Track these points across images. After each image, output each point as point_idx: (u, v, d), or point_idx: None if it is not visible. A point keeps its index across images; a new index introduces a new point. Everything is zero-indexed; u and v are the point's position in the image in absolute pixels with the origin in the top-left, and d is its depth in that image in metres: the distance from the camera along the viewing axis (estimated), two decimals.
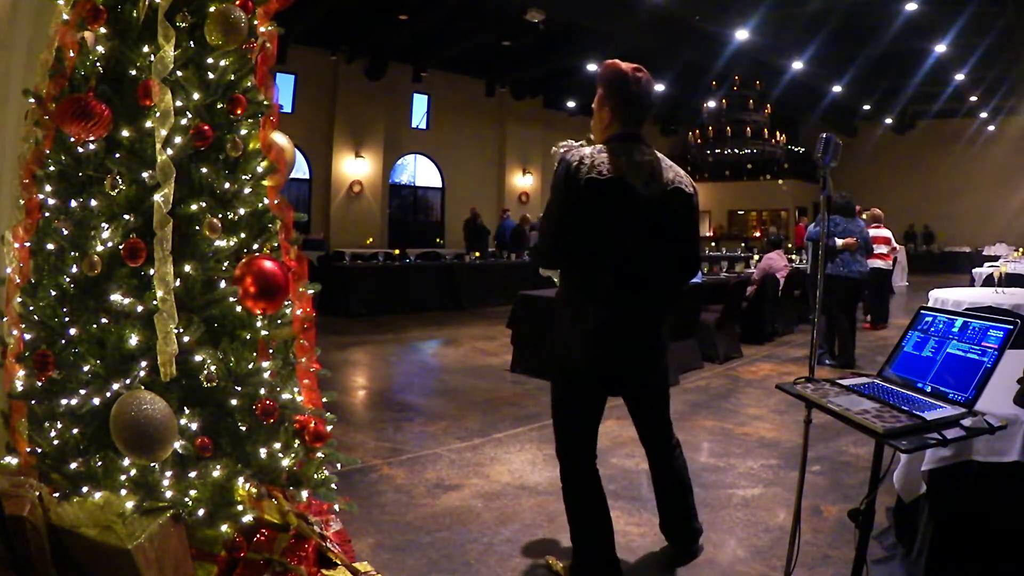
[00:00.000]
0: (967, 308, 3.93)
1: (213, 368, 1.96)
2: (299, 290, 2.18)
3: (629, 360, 2.30)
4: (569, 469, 2.36)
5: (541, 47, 14.22)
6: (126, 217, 1.97)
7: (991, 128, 20.20)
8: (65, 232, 1.98)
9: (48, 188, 2.03)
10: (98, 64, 2.02)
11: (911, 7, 11.54)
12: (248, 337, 2.07)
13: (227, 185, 2.07)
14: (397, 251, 12.34)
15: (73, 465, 1.92)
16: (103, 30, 2.01)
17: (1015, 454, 1.86)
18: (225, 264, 2.05)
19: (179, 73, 2.00)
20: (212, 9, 2.02)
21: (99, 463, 1.91)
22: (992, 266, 9.03)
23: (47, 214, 2.04)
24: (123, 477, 1.90)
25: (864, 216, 8.14)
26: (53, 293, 1.99)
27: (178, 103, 1.99)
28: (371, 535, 2.77)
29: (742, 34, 12.68)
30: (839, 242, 6.00)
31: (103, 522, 1.77)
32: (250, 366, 2.04)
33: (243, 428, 2.03)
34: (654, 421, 2.57)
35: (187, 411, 1.96)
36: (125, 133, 1.99)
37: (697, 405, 4.94)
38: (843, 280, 6.07)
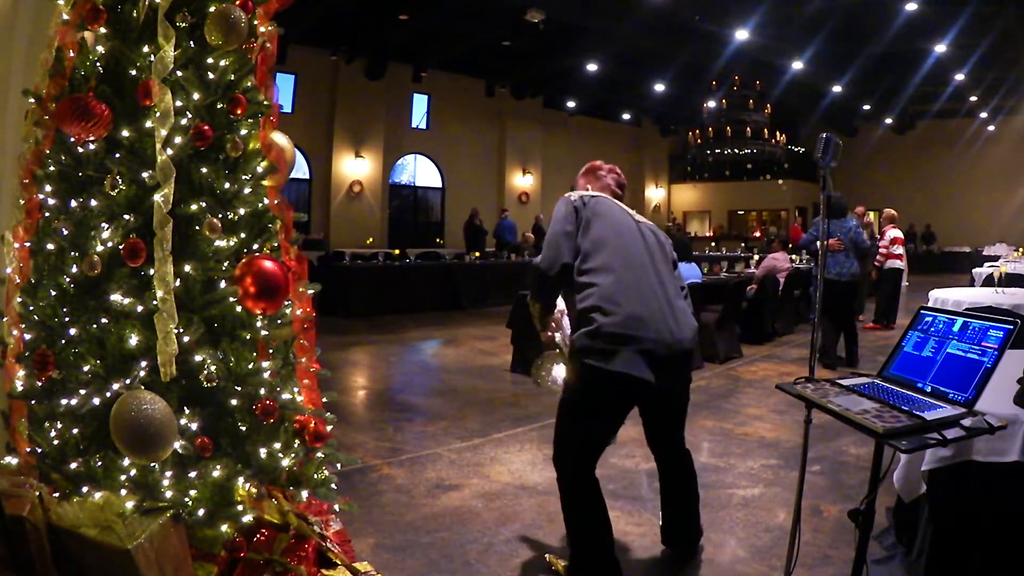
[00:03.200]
0: (967, 308, 3.93)
1: (213, 368, 1.96)
2: (299, 290, 2.18)
3: (672, 356, 2.35)
4: (572, 474, 2.35)
5: (541, 47, 14.22)
6: (126, 217, 1.97)
7: (991, 128, 20.18)
8: (65, 232, 1.98)
9: (48, 188, 2.03)
10: (98, 64, 2.02)
11: (911, 7, 11.54)
12: (248, 337, 2.07)
13: (227, 185, 2.07)
14: (397, 251, 12.34)
15: (73, 465, 1.92)
16: (103, 30, 2.01)
17: (1015, 454, 1.86)
18: (225, 264, 2.04)
19: (179, 73, 2.00)
20: (212, 9, 2.02)
21: (99, 463, 1.91)
22: (992, 266, 9.03)
23: (47, 214, 2.04)
24: (123, 477, 1.90)
25: (870, 217, 8.14)
26: (53, 293, 1.99)
27: (178, 103, 1.99)
28: (371, 535, 2.77)
29: (742, 34, 12.67)
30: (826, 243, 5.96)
31: (103, 522, 1.77)
32: (250, 366, 2.04)
33: (243, 428, 2.03)
34: (673, 426, 2.60)
35: (187, 411, 1.96)
36: (125, 133, 1.99)
37: (697, 405, 4.93)
38: (827, 282, 6.04)
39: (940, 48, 13.47)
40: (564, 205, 2.42)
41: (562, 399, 2.42)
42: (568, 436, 2.37)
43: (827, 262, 6.01)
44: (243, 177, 2.11)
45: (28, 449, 1.98)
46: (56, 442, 1.94)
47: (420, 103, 17.46)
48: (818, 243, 5.96)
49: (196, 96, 2.03)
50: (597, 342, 2.22)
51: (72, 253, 1.98)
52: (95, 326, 1.95)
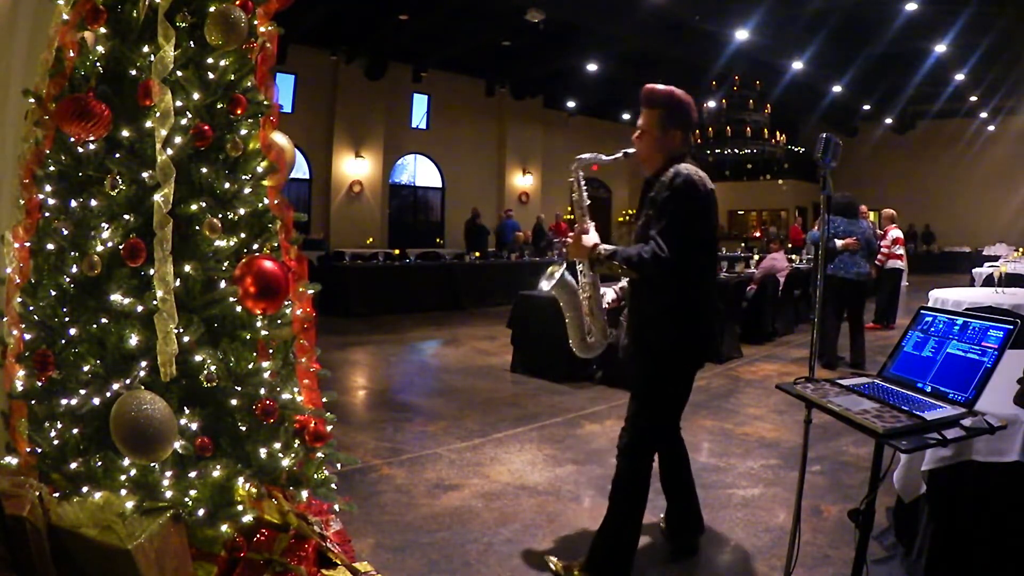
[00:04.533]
0: (967, 308, 3.93)
1: (213, 368, 1.96)
2: (299, 290, 2.18)
3: (714, 343, 2.62)
4: (645, 462, 2.44)
5: (541, 47, 14.21)
6: (126, 217, 1.97)
7: (991, 128, 20.17)
8: (65, 232, 1.98)
9: (48, 188, 2.03)
10: (98, 64, 2.02)
11: (911, 7, 11.53)
12: (248, 337, 2.07)
13: (227, 185, 2.07)
14: (397, 251, 12.33)
15: (73, 465, 1.92)
16: (103, 30, 2.01)
17: (1015, 454, 1.86)
18: (225, 264, 2.04)
19: (179, 73, 2.00)
20: (212, 9, 2.02)
21: (99, 463, 1.91)
22: (992, 266, 9.04)
23: (47, 214, 2.04)
24: (123, 477, 1.90)
25: (871, 217, 8.16)
26: (53, 293, 1.99)
27: (178, 103, 1.99)
28: (371, 535, 2.77)
29: (742, 34, 12.66)
30: (839, 243, 5.98)
31: (103, 522, 1.77)
32: (250, 366, 2.04)
33: (243, 428, 2.03)
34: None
35: (187, 411, 1.96)
36: (125, 133, 1.99)
37: (697, 405, 4.93)
38: (838, 280, 6.05)
39: (940, 48, 13.46)
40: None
41: None
42: (649, 421, 2.50)
43: (846, 262, 6.03)
44: (243, 177, 2.11)
45: (28, 449, 1.98)
46: (56, 442, 1.94)
47: (420, 103, 17.45)
48: (835, 241, 5.95)
49: (196, 96, 2.03)
50: None
51: (72, 253, 1.98)
52: (95, 326, 1.95)
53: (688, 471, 2.69)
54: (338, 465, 2.34)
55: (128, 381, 1.92)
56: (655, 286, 2.35)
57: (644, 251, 2.23)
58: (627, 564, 2.40)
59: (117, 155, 1.99)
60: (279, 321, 2.15)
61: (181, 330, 1.93)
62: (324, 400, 2.28)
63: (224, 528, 1.97)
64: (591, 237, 2.45)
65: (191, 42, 2.04)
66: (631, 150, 2.51)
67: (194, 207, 2.00)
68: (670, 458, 2.67)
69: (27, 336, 2.01)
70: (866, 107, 19.04)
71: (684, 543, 2.68)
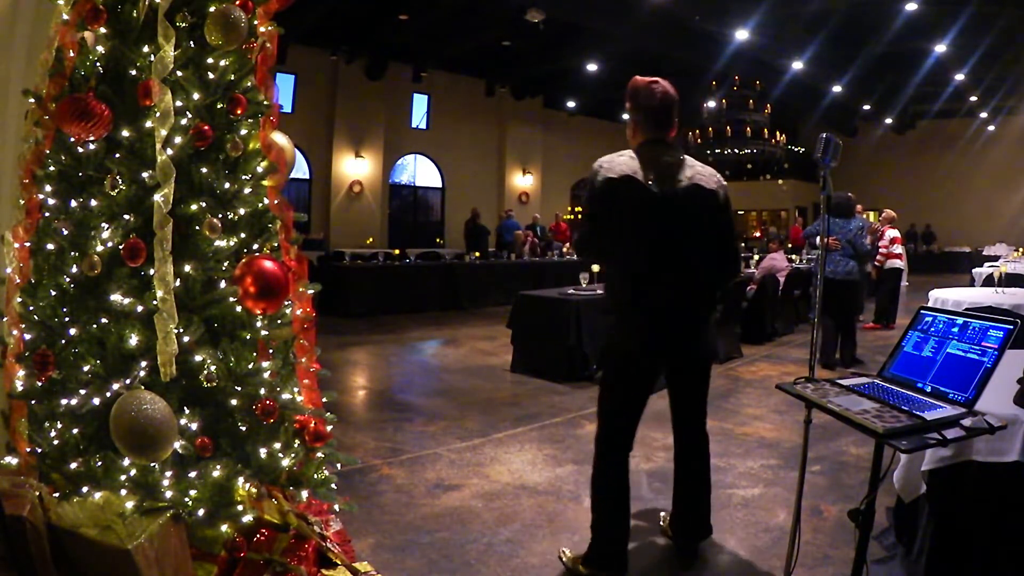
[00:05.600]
0: (967, 308, 3.93)
1: (213, 368, 1.96)
2: (299, 290, 2.18)
3: (668, 332, 2.39)
4: (605, 458, 2.45)
5: (541, 47, 14.20)
6: (126, 217, 1.97)
7: (991, 128, 20.18)
8: (65, 232, 1.98)
9: (48, 188, 2.03)
10: (98, 64, 2.02)
11: (911, 7, 11.53)
12: (248, 337, 2.07)
13: (227, 185, 2.07)
14: (397, 251, 12.33)
15: (73, 465, 1.92)
16: (103, 30, 2.01)
17: (1015, 454, 1.86)
18: (225, 264, 2.04)
19: (179, 73, 2.00)
20: (212, 9, 2.02)
21: (99, 463, 1.91)
22: (992, 266, 9.04)
23: (47, 214, 2.04)
24: (123, 477, 1.90)
25: (871, 217, 8.14)
26: (53, 293, 1.99)
27: (178, 103, 1.99)
28: (371, 535, 2.77)
29: (742, 34, 12.66)
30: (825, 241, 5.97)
31: (103, 522, 1.77)
32: (250, 366, 2.03)
33: (243, 428, 2.03)
34: (691, 402, 2.60)
35: (187, 411, 1.96)
36: (125, 133, 1.99)
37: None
38: (826, 281, 6.05)
39: (940, 48, 13.46)
40: None
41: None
42: (598, 417, 2.52)
43: (829, 260, 6.02)
44: (243, 177, 2.11)
45: (28, 449, 1.98)
46: (56, 442, 1.94)
47: (420, 103, 17.46)
48: (817, 240, 5.94)
49: (196, 96, 2.03)
50: None
51: (72, 253, 1.98)
52: (95, 326, 1.95)
53: (694, 475, 2.63)
54: (338, 465, 2.34)
55: (128, 381, 1.92)
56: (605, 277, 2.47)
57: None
58: (617, 557, 2.40)
59: (117, 155, 1.99)
60: (279, 321, 2.15)
61: (181, 330, 1.93)
62: (324, 400, 2.28)
63: (224, 528, 1.97)
64: None
65: (191, 42, 2.04)
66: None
67: (194, 207, 2.00)
68: (683, 452, 2.64)
69: (27, 336, 2.01)
70: (866, 107, 19.04)
71: (685, 545, 2.66)
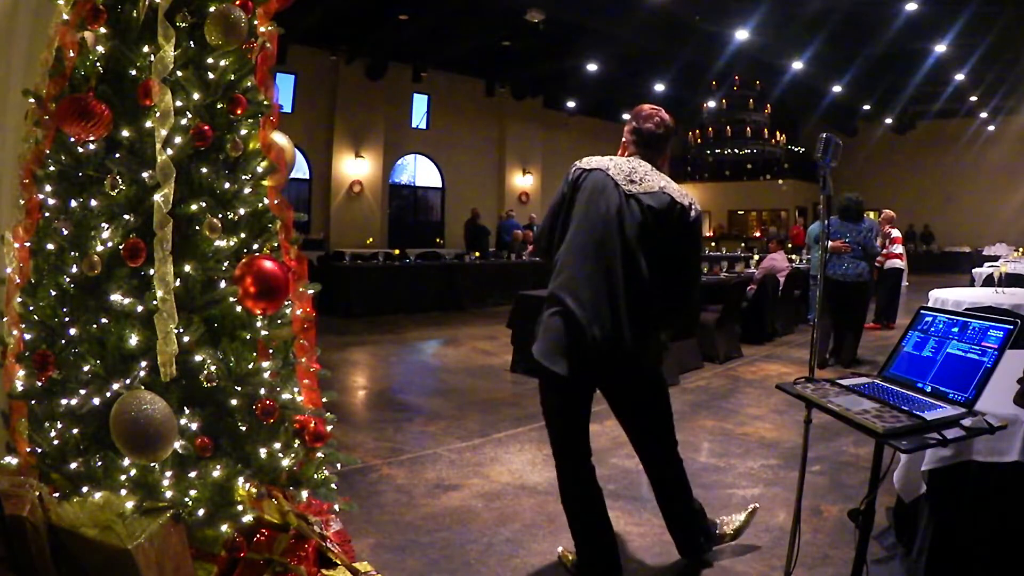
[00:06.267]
0: (967, 308, 3.93)
1: (213, 368, 1.96)
2: (299, 290, 2.18)
3: (598, 353, 2.20)
4: (561, 470, 2.39)
5: (541, 47, 14.21)
6: (126, 217, 1.97)
7: (991, 128, 20.18)
8: (65, 232, 1.98)
9: (48, 188, 2.03)
10: (98, 64, 2.02)
11: (911, 7, 11.53)
12: (248, 337, 2.07)
13: (227, 185, 2.07)
14: (397, 251, 12.32)
15: (73, 465, 1.92)
16: (103, 30, 2.01)
17: (1015, 454, 1.86)
18: (225, 264, 2.05)
19: (179, 73, 2.00)
20: (212, 9, 2.02)
21: (99, 463, 1.91)
22: (992, 266, 9.04)
23: (47, 214, 2.04)
24: (123, 477, 1.90)
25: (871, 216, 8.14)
26: (53, 293, 1.99)
27: (178, 103, 1.99)
28: (371, 535, 2.77)
29: (742, 34, 12.67)
30: (829, 244, 5.99)
31: (103, 522, 1.77)
32: (250, 366, 2.04)
33: (243, 428, 2.03)
34: (640, 423, 2.46)
35: (187, 411, 1.96)
36: (125, 133, 1.99)
37: (697, 405, 4.94)
38: (830, 282, 6.04)
39: (940, 48, 13.46)
40: None
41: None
42: (547, 430, 2.46)
43: (833, 264, 6.02)
44: (243, 177, 2.11)
45: (28, 449, 1.98)
46: (56, 442, 1.94)
47: (420, 103, 17.47)
48: (820, 243, 5.94)
49: (196, 96, 2.03)
50: None
51: (72, 253, 1.98)
52: (95, 326, 1.96)
53: (668, 488, 2.50)
54: (338, 465, 2.34)
55: (128, 381, 1.92)
56: None
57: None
58: (607, 565, 2.32)
59: (117, 155, 1.99)
60: (279, 321, 2.15)
61: (181, 330, 1.93)
62: (324, 400, 2.28)
63: (224, 528, 1.97)
64: None
65: (191, 42, 2.04)
66: None
67: (194, 207, 2.00)
68: (648, 471, 2.52)
69: (27, 336, 2.01)
70: (866, 107, 19.05)
71: (687, 557, 2.57)
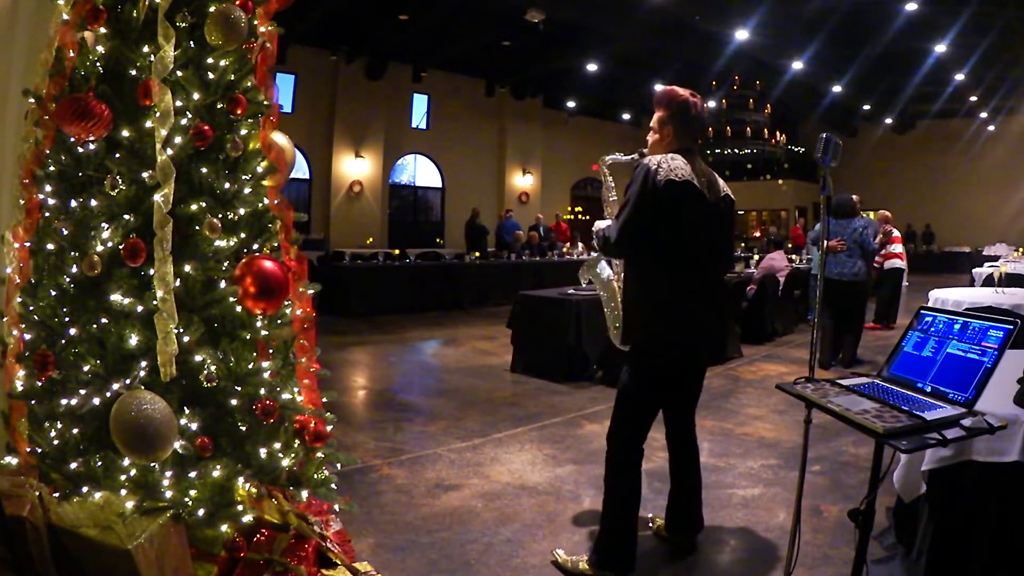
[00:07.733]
0: (967, 308, 3.93)
1: (213, 368, 1.96)
2: (299, 290, 2.18)
3: (712, 342, 2.56)
4: (629, 453, 2.48)
5: (541, 47, 14.21)
6: (126, 217, 1.97)
7: (991, 128, 20.17)
8: (65, 232, 1.98)
9: (48, 188, 2.03)
10: (98, 64, 2.02)
11: (911, 7, 11.53)
12: (248, 337, 2.07)
13: (227, 185, 2.07)
14: (397, 251, 12.33)
15: (73, 465, 1.92)
16: (103, 30, 2.01)
17: (1015, 454, 1.86)
18: (225, 264, 2.05)
19: (179, 73, 2.00)
20: (212, 9, 2.02)
21: (99, 463, 1.91)
22: (992, 266, 9.04)
23: (47, 214, 2.04)
24: (123, 477, 1.90)
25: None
26: (53, 293, 1.99)
27: (178, 103, 1.99)
28: (371, 535, 2.77)
29: (742, 34, 12.67)
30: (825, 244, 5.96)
31: (103, 522, 1.77)
32: (250, 366, 2.04)
33: (243, 428, 2.03)
34: (691, 403, 2.74)
35: (187, 411, 1.96)
36: (125, 133, 1.99)
37: (697, 405, 4.93)
38: (828, 282, 6.04)
39: (940, 48, 13.46)
40: None
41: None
42: (621, 420, 2.53)
43: (829, 263, 6.01)
44: (243, 177, 2.11)
45: (28, 449, 1.98)
46: (56, 442, 1.94)
47: (420, 103, 17.46)
48: (820, 242, 5.93)
49: (196, 96, 2.03)
50: None
51: (72, 253, 1.98)
52: (95, 326, 1.95)
53: (694, 474, 2.72)
54: (338, 465, 2.34)
55: (128, 381, 1.92)
56: (630, 275, 2.49)
57: (603, 230, 2.46)
58: (628, 556, 2.44)
59: (117, 155, 1.99)
60: (279, 321, 2.15)
61: (181, 330, 1.93)
62: (324, 400, 2.28)
63: (224, 528, 1.97)
64: (600, 222, 2.57)
65: (191, 42, 2.04)
66: (645, 149, 2.60)
67: (194, 207, 2.00)
68: (680, 452, 2.72)
69: (27, 336, 2.01)
70: (866, 107, 19.05)
71: (683, 541, 2.69)
